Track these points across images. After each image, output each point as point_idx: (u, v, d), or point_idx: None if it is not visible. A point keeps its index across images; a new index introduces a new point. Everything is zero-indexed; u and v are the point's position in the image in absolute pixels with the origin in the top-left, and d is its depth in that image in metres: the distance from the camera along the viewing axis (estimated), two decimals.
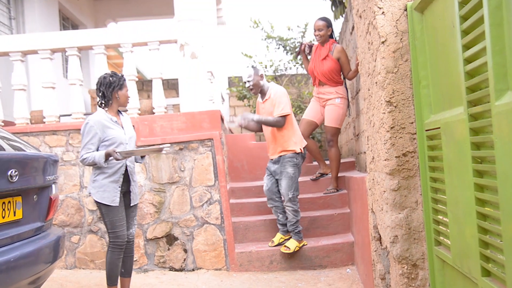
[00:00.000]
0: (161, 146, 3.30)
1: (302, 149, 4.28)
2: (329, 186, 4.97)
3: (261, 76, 4.33)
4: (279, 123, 4.20)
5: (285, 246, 4.24)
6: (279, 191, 4.34)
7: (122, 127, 3.43)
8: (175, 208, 4.62)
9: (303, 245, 4.32)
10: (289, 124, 4.24)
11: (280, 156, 4.28)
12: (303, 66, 5.24)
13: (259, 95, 4.47)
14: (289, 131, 4.24)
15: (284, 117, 4.19)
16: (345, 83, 4.83)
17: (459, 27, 1.54)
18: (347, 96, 4.78)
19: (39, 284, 2.66)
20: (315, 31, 4.78)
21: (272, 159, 4.40)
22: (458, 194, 1.68)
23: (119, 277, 3.48)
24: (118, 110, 3.52)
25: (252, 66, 4.40)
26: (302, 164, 4.41)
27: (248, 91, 4.54)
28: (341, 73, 4.78)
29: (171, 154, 4.65)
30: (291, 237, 4.34)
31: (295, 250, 4.23)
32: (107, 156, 3.20)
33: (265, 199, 4.99)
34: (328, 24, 4.73)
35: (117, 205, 3.31)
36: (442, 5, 1.78)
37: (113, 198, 3.29)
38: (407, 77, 2.16)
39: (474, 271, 1.57)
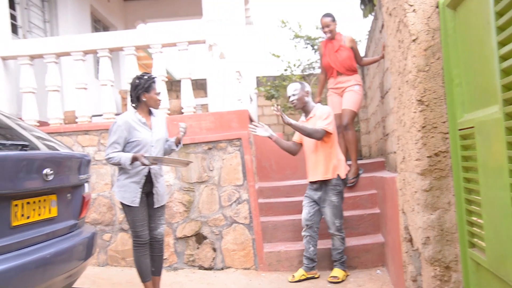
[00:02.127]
0: (188, 161, 3.35)
1: (346, 175, 4.08)
2: (350, 174, 4.82)
3: (307, 92, 4.13)
4: (318, 134, 3.91)
5: (332, 276, 3.96)
6: (319, 221, 4.13)
7: (151, 128, 3.41)
8: (204, 207, 4.66)
9: (347, 275, 4.06)
10: (335, 143, 4.05)
11: (323, 181, 4.03)
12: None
13: (303, 114, 4.25)
14: (334, 151, 4.03)
15: (325, 131, 3.93)
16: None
17: (495, 24, 1.50)
18: (363, 84, 5.17)
19: (73, 280, 2.72)
20: (323, 28, 5.05)
21: (312, 186, 4.12)
22: (493, 195, 1.63)
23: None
24: (150, 110, 3.49)
25: (300, 82, 4.21)
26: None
27: (292, 105, 4.25)
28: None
29: (200, 154, 4.69)
30: (335, 267, 4.06)
31: (343, 279, 3.95)
32: (134, 159, 3.22)
33: (293, 198, 4.99)
34: (333, 19, 5.04)
35: (137, 205, 3.32)
36: (476, 1, 1.74)
37: (133, 198, 3.31)
38: (439, 75, 2.11)
39: (511, 274, 1.52)
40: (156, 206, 3.46)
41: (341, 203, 4.03)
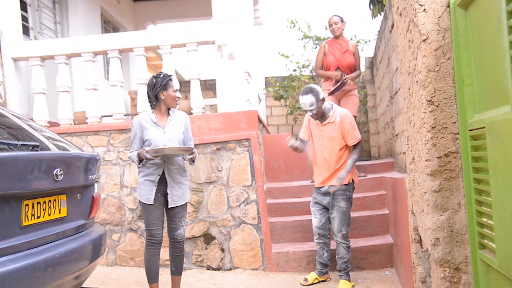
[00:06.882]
0: (189, 147, 3.31)
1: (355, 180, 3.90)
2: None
3: (323, 99, 3.74)
4: (360, 153, 3.81)
5: None
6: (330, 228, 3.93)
7: (163, 128, 3.39)
8: (213, 207, 4.67)
9: (352, 286, 3.84)
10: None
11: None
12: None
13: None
14: (347, 154, 3.83)
15: (359, 142, 3.80)
16: None
17: (506, 23, 1.49)
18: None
19: (82, 280, 2.73)
20: (331, 26, 5.16)
21: (320, 190, 3.89)
22: (505, 196, 1.62)
23: (169, 276, 3.59)
24: (168, 110, 3.48)
25: (311, 90, 3.70)
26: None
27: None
28: None
29: (209, 154, 4.70)
30: (341, 278, 3.86)
31: None
32: (139, 156, 3.30)
33: (302, 199, 4.98)
34: (342, 19, 5.16)
35: (152, 203, 3.35)
36: (488, 1, 1.73)
37: (148, 196, 3.35)
38: (449, 75, 2.10)
39: None
40: (170, 206, 3.42)
41: (349, 209, 3.84)
